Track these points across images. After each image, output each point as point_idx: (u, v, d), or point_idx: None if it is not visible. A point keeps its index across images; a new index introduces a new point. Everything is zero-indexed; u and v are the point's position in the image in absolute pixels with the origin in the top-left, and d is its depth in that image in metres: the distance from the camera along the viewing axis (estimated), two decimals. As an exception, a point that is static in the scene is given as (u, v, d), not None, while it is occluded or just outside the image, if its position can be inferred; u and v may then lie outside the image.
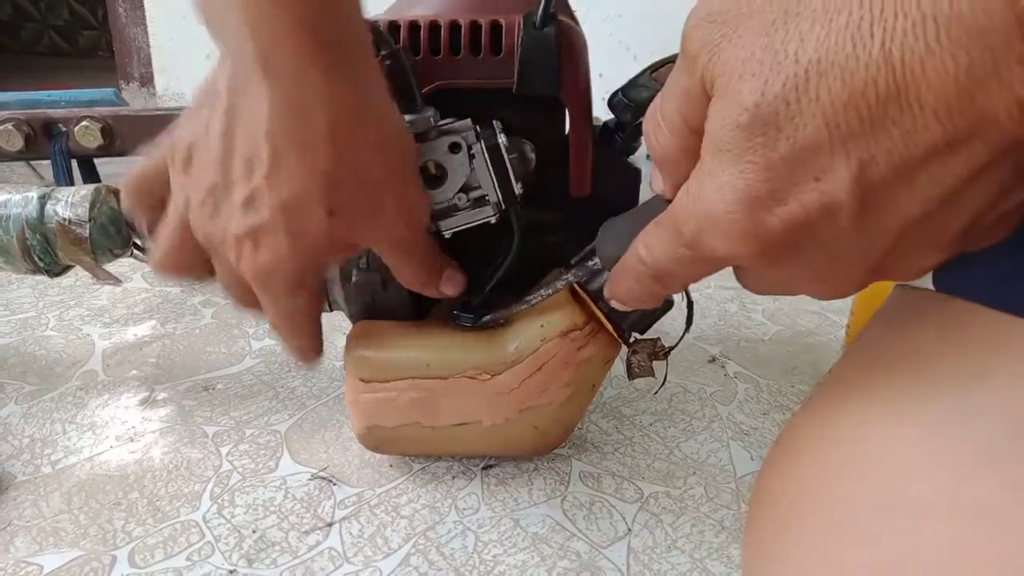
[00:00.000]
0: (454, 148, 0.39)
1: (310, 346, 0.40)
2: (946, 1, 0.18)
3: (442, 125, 0.40)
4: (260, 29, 0.32)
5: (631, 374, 0.45)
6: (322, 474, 0.51)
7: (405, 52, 0.40)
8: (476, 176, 0.39)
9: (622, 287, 0.31)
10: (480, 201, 0.40)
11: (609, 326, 0.43)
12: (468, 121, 0.40)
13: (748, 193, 0.22)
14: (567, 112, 0.42)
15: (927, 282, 0.28)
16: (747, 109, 0.21)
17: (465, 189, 0.40)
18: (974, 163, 0.19)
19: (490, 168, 0.39)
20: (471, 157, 0.39)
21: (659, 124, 0.26)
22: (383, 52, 0.38)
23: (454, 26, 0.40)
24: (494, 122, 0.40)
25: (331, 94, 0.33)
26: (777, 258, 0.23)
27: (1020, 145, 0.19)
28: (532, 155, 0.41)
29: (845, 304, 0.76)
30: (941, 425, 0.24)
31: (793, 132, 0.20)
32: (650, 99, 0.43)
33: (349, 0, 0.34)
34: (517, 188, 0.40)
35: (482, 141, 0.39)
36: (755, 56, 0.21)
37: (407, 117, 0.39)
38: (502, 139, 0.39)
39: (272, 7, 0.32)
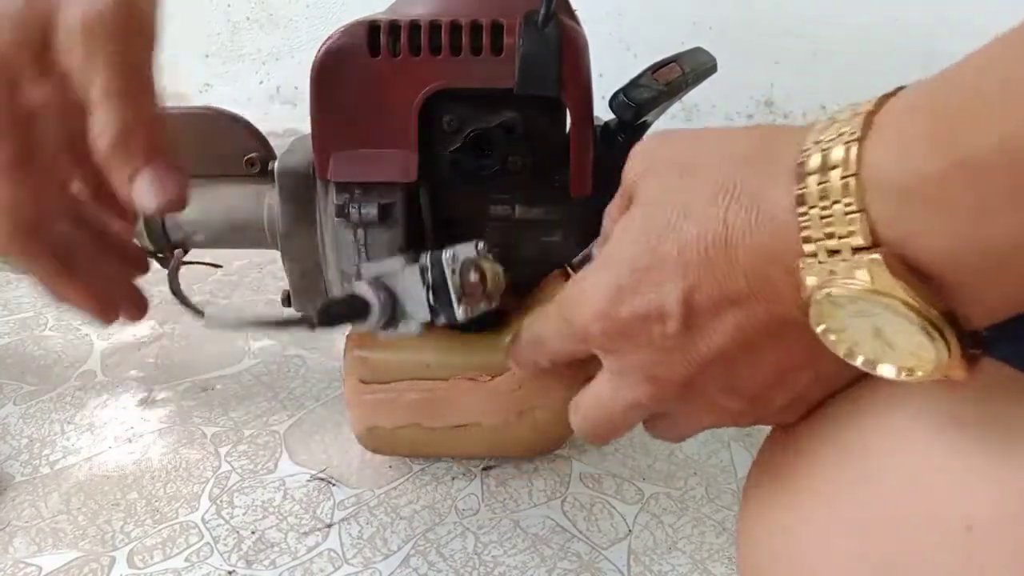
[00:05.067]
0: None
1: None
2: (759, 209, 0.25)
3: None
4: None
5: None
6: (321, 475, 0.51)
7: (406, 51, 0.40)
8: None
9: (518, 353, 0.40)
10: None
11: None
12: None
13: (614, 284, 0.29)
14: (568, 112, 0.42)
15: None
16: (639, 228, 0.29)
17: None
18: (762, 319, 0.27)
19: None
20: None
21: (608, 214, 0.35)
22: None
23: (454, 26, 0.40)
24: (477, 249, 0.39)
25: None
26: (619, 338, 0.30)
27: (799, 327, 0.25)
28: (502, 279, 0.39)
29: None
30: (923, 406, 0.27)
31: (658, 249, 0.28)
32: (651, 99, 0.44)
33: None
34: (459, 312, 0.38)
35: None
36: (655, 193, 0.29)
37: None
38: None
39: None
